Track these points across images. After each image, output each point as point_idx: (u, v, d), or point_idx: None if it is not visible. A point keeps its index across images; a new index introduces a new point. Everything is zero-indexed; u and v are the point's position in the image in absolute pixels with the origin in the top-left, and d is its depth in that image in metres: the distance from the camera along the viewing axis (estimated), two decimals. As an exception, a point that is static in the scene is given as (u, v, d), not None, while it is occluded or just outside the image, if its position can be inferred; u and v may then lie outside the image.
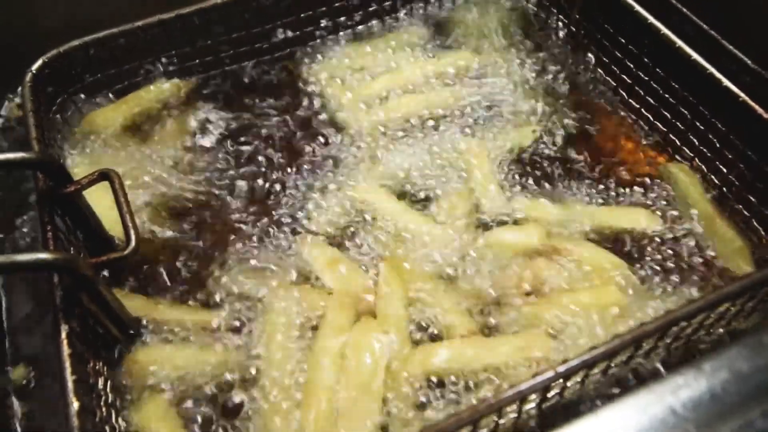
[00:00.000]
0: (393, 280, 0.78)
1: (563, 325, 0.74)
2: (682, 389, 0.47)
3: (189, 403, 0.71)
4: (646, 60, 0.91)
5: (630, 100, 0.97)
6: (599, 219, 0.85)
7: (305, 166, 0.93)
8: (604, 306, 0.75)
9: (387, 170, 0.91)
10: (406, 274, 0.79)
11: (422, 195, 0.89)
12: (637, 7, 0.90)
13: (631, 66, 0.94)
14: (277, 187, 0.91)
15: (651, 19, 0.88)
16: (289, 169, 0.93)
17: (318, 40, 1.08)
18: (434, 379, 0.71)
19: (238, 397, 0.71)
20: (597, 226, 0.84)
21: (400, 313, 0.76)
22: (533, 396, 0.61)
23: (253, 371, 0.72)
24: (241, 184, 0.92)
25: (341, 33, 1.09)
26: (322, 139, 0.97)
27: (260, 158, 0.95)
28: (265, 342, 0.74)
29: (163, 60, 1.02)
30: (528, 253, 0.81)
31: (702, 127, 0.86)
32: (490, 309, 0.77)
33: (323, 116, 0.99)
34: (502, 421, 0.62)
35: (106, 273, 0.79)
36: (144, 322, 0.76)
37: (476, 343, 0.74)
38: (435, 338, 0.75)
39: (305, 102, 1.01)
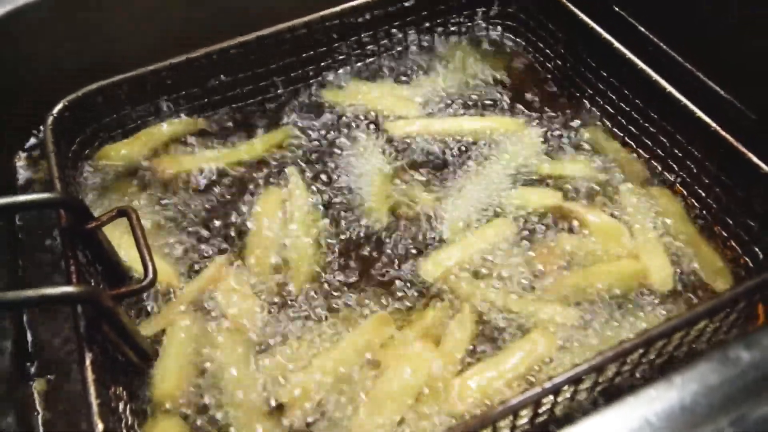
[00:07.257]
0: (467, 325, 0.82)
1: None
2: (655, 401, 0.51)
3: (203, 422, 0.75)
4: (626, 92, 0.97)
5: (614, 129, 1.02)
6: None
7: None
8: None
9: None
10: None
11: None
12: (617, 44, 0.96)
13: (614, 98, 1.00)
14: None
15: (629, 54, 0.94)
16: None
17: (322, 77, 1.14)
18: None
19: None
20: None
21: (459, 353, 0.79)
22: (525, 411, 0.66)
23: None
24: (245, 218, 0.96)
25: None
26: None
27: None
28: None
29: (174, 100, 1.07)
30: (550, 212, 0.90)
31: (680, 154, 0.91)
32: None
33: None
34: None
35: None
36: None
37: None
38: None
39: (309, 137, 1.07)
